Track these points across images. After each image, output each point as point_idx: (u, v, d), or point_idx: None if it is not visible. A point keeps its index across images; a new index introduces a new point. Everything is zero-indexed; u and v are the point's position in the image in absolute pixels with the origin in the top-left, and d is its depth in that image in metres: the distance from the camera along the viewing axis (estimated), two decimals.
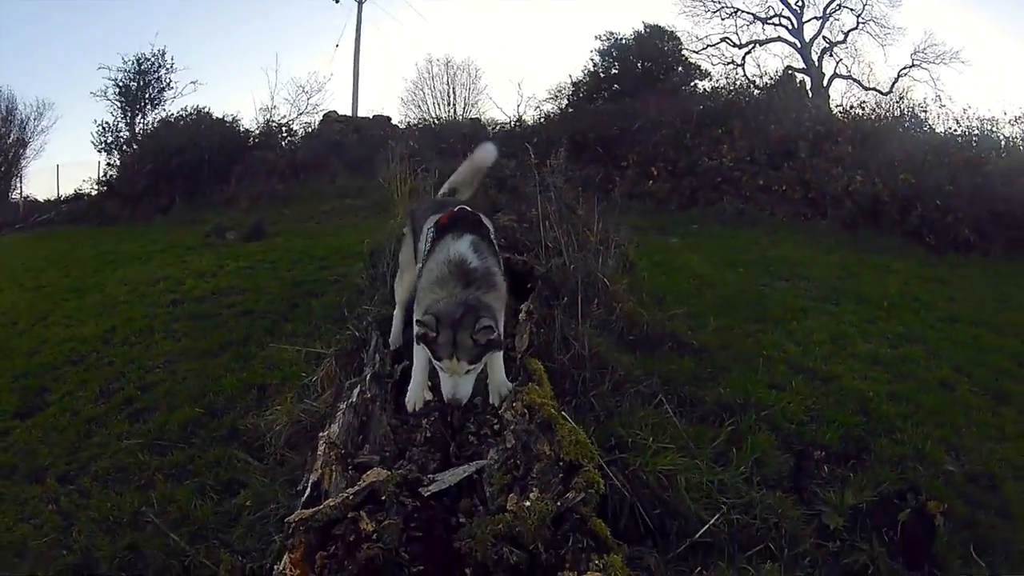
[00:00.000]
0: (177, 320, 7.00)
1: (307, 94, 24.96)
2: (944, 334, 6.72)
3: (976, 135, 14.91)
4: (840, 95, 26.21)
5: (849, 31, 27.03)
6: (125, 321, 7.44)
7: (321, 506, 2.47)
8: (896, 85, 25.94)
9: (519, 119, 20.27)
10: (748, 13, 27.66)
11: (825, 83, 26.92)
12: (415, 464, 2.99)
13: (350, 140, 21.23)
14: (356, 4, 28.75)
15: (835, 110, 19.80)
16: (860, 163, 13.72)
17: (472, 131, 20.16)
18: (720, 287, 8.00)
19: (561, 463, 2.78)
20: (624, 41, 23.92)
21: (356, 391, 3.62)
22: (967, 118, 15.92)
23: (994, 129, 15.40)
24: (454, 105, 27.57)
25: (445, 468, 2.92)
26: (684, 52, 25.46)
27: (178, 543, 3.35)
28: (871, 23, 26.71)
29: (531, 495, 2.51)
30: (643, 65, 23.46)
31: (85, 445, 4.73)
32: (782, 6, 27.41)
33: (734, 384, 4.78)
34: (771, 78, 24.94)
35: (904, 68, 26.40)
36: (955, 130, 15.53)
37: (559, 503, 2.48)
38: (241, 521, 3.51)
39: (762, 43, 27.93)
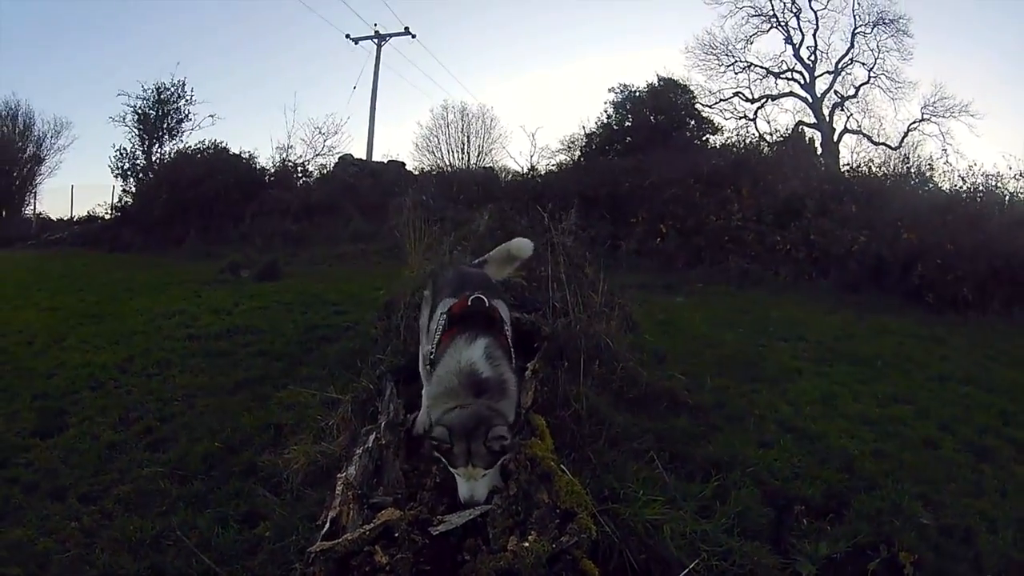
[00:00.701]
0: (194, 356, 7.27)
1: (324, 136, 25.53)
2: (934, 393, 7.02)
3: (981, 192, 15.23)
4: (850, 150, 26.96)
5: (861, 85, 27.86)
6: (142, 352, 7.77)
7: (340, 539, 2.75)
8: (906, 139, 26.70)
9: (532, 169, 20.75)
10: (761, 67, 28.53)
11: (836, 138, 27.50)
12: (425, 506, 3.22)
13: (365, 184, 21.66)
14: (375, 46, 29.28)
15: (843, 168, 20.17)
16: (865, 222, 14.07)
17: (485, 180, 20.66)
18: (719, 347, 8.35)
19: (558, 510, 3.06)
20: (638, 94, 24.61)
21: (372, 437, 3.88)
22: (972, 174, 16.35)
23: (998, 185, 15.76)
24: (467, 153, 28.03)
25: (452, 511, 3.13)
26: (697, 106, 26.09)
27: (204, 562, 3.59)
28: (882, 77, 27.53)
29: (530, 537, 2.79)
30: (656, 118, 24.04)
31: (106, 469, 4.92)
32: (795, 61, 28.32)
33: (724, 442, 5.09)
34: (781, 135, 25.50)
35: (914, 122, 27.11)
36: (960, 187, 15.89)
37: (554, 545, 2.76)
38: (263, 549, 3.73)
39: (774, 98, 28.74)
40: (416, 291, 6.33)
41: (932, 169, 17.81)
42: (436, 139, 29.05)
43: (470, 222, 11.23)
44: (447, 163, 27.63)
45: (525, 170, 21.27)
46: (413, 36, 29.58)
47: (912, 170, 18.03)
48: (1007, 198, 15.24)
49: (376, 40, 29.44)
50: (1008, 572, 3.83)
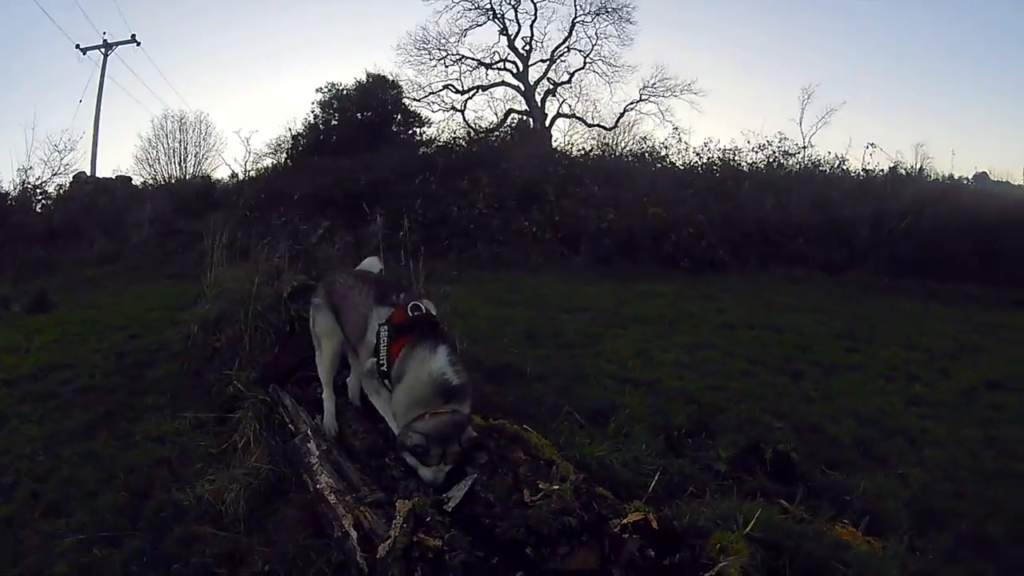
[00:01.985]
0: (21, 402, 6.47)
1: (60, 153, 23.54)
2: (729, 338, 8.58)
3: (717, 166, 17.62)
4: (562, 134, 29.32)
5: (576, 71, 30.22)
6: None
7: (397, 533, 2.96)
8: (622, 120, 29.27)
9: (246, 174, 20.75)
10: (473, 59, 29.89)
11: (548, 123, 29.65)
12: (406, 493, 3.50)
13: (102, 202, 20.54)
14: (102, 55, 27.45)
15: (576, 152, 22.04)
16: (610, 201, 15.74)
17: (204, 189, 20.23)
18: (515, 323, 9.20)
19: (541, 461, 3.64)
20: (345, 92, 24.93)
21: (313, 446, 4.07)
22: (708, 150, 19.03)
23: (735, 159, 18.31)
24: (185, 163, 27.03)
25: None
26: (405, 100, 26.92)
27: None
28: (599, 62, 30.05)
29: (542, 486, 3.28)
30: (363, 115, 24.57)
31: (21, 551, 4.15)
32: (508, 51, 30.06)
33: (590, 395, 5.96)
34: (491, 125, 27.21)
35: (632, 103, 29.66)
36: (696, 163, 18.20)
37: (570, 483, 3.28)
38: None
39: (485, 88, 30.27)
40: (249, 306, 6.34)
41: (667, 148, 20.20)
42: (156, 150, 27.59)
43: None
44: (166, 175, 26.40)
45: (240, 176, 21.25)
46: (138, 44, 27.99)
47: (648, 149, 20.18)
48: (746, 169, 17.78)
49: (103, 50, 27.69)
50: (857, 447, 5.26)
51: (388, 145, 21.34)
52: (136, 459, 5.11)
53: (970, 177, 24.51)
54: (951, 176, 20.83)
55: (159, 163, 27.43)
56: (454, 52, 29.83)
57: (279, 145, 24.92)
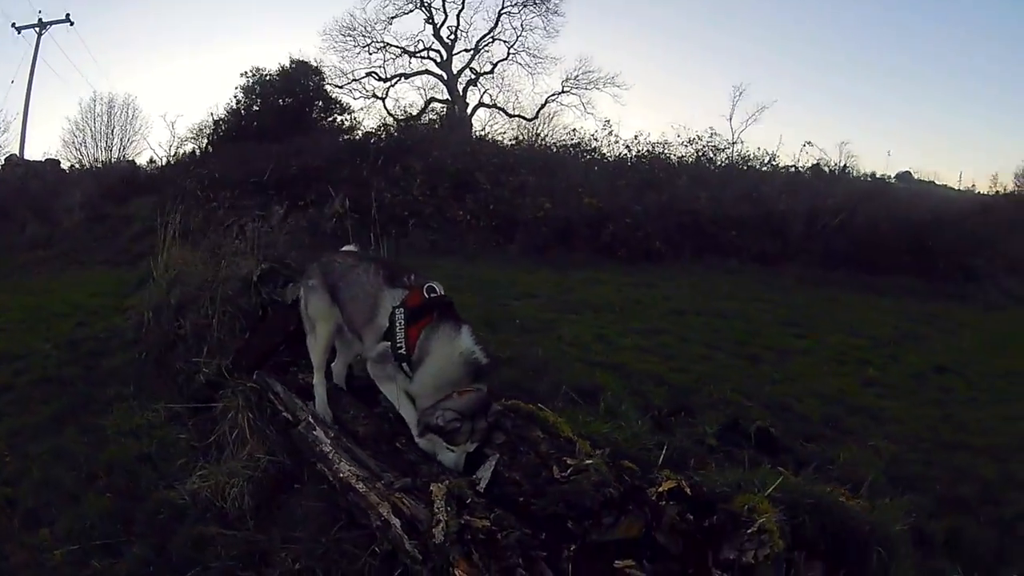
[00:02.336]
0: None
1: None
2: (681, 324, 9.11)
3: (646, 159, 18.19)
4: (482, 124, 29.67)
5: (499, 62, 30.72)
6: None
7: (444, 519, 3.05)
8: (543, 111, 29.91)
9: (171, 158, 20.54)
10: (398, 47, 30.02)
11: (469, 112, 30.01)
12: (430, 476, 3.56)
13: (35, 186, 19.64)
14: (36, 35, 27.29)
15: (508, 142, 22.36)
16: (543, 191, 16.09)
17: (129, 174, 19.85)
18: (469, 309, 9.02)
19: (562, 438, 3.84)
20: (268, 77, 24.64)
21: (320, 434, 4.03)
22: (638, 143, 19.57)
23: (665, 152, 18.87)
24: (111, 147, 26.36)
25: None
26: (327, 87, 26.91)
27: None
28: (523, 54, 30.52)
29: (572, 462, 3.53)
30: (284, 101, 24.36)
31: (10, 568, 3.87)
32: (433, 40, 30.26)
33: (567, 376, 6.18)
34: (410, 112, 27.40)
35: (553, 94, 30.37)
36: (627, 156, 18.72)
37: (601, 456, 3.60)
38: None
39: (408, 76, 30.48)
40: (218, 290, 6.27)
41: (597, 140, 20.81)
42: (83, 133, 26.81)
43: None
44: (92, 159, 25.65)
45: (164, 160, 20.99)
46: (72, 23, 28.02)
47: (582, 141, 20.67)
48: (676, 162, 18.45)
49: (37, 29, 27.61)
50: (826, 424, 5.87)
51: (316, 132, 21.26)
52: (114, 456, 4.84)
53: (893, 176, 26.01)
54: (873, 174, 22.01)
55: (85, 146, 26.78)
56: (379, 40, 29.95)
57: (200, 130, 24.60)
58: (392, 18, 30.01)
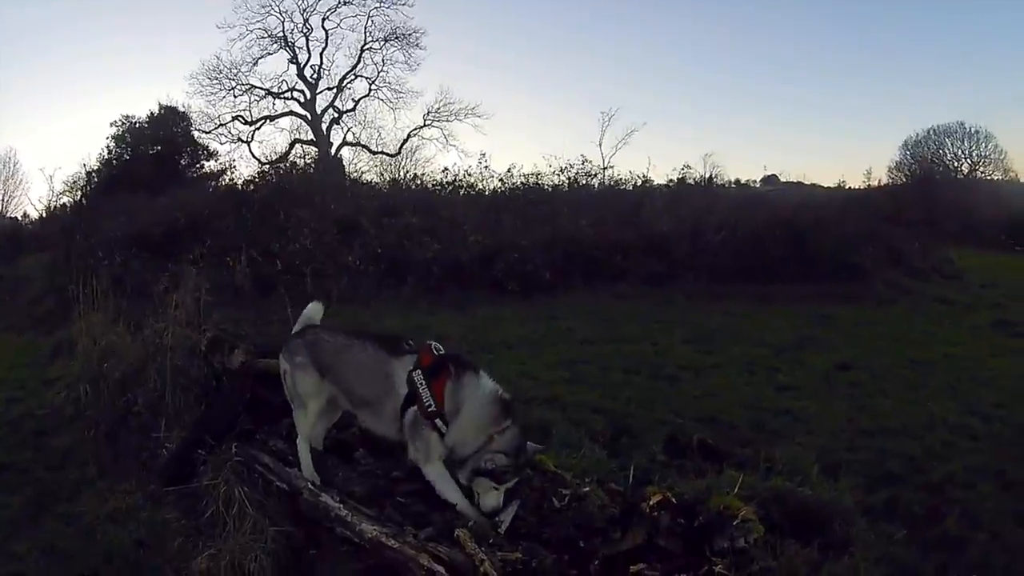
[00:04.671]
0: None
1: None
2: (595, 354, 9.90)
3: (521, 190, 19.06)
4: (347, 163, 30.47)
5: (361, 99, 31.83)
6: None
7: (485, 558, 3.56)
8: (405, 146, 31.39)
9: (48, 212, 20.23)
10: (262, 88, 30.59)
11: (334, 152, 30.73)
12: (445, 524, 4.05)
13: None
14: None
15: (383, 184, 22.90)
16: (427, 231, 16.63)
17: (14, 231, 19.48)
18: None
19: (548, 473, 4.54)
20: (138, 125, 24.58)
21: (327, 498, 4.38)
22: (511, 176, 20.58)
23: (539, 182, 20.09)
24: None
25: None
26: (195, 132, 27.22)
27: None
28: (384, 89, 31.74)
29: (583, 488, 4.32)
30: (155, 148, 24.42)
31: None
32: (297, 80, 30.93)
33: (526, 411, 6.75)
34: (275, 155, 27.69)
35: (415, 128, 31.96)
36: (501, 189, 19.51)
37: (590, 480, 4.43)
38: None
39: (273, 118, 31.24)
40: (159, 362, 6.39)
41: (471, 176, 21.50)
42: None
43: None
44: None
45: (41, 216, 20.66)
46: None
47: (457, 179, 21.31)
48: (551, 190, 19.35)
49: None
50: (753, 429, 6.81)
51: (186, 180, 21.26)
52: (108, 545, 4.82)
53: (758, 181, 27.90)
54: (738, 180, 23.59)
55: None
56: (244, 82, 30.59)
57: (74, 182, 24.21)
58: (257, 59, 30.82)
